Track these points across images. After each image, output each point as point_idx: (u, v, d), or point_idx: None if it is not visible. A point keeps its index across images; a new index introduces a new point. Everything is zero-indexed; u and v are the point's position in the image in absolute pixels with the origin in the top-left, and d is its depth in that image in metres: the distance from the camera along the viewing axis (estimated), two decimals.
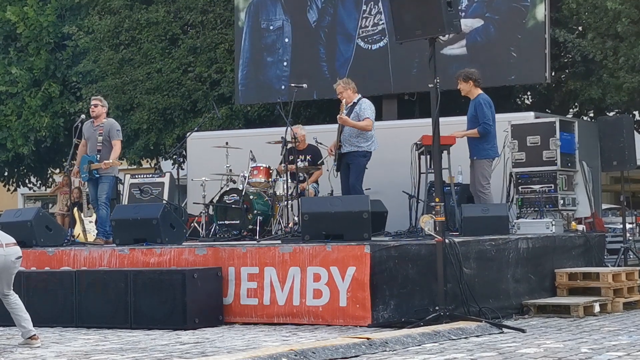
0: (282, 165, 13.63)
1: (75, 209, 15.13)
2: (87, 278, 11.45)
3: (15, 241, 9.76)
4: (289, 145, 13.58)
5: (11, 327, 10.51)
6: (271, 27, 18.29)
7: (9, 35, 22.50)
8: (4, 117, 22.36)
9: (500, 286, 11.31)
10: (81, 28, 21.56)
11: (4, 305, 9.82)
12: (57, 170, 24.97)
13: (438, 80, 10.27)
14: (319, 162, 14.40)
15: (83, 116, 13.69)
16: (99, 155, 13.39)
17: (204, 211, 14.28)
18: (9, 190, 25.77)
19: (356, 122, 13.11)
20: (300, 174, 13.95)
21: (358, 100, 13.30)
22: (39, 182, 25.37)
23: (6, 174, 24.89)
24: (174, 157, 19.77)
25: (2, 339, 10.34)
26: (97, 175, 13.37)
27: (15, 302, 9.72)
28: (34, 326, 9.74)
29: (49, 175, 24.88)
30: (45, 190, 25.41)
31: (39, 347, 9.53)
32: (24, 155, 22.56)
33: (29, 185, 25.57)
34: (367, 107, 13.27)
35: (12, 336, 10.28)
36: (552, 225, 12.69)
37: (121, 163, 13.56)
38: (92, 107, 13.69)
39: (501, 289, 11.31)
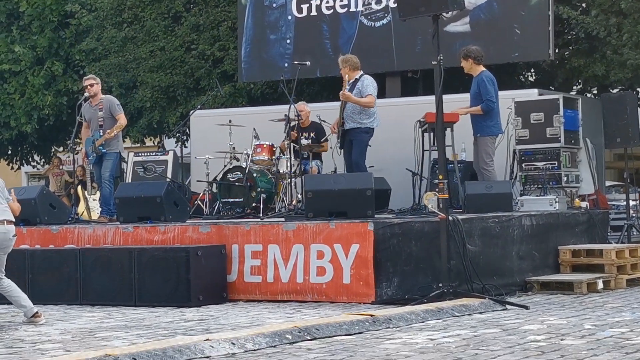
0: (286, 142, 13.61)
1: (80, 187, 15.12)
2: (91, 256, 11.48)
3: (14, 219, 9.76)
4: (292, 123, 13.57)
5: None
6: (274, 5, 18.24)
7: (11, 13, 22.46)
8: (7, 95, 22.36)
9: (503, 263, 11.32)
10: (84, 6, 21.53)
11: None
12: (61, 149, 24.97)
13: (441, 58, 10.25)
14: (322, 139, 14.39)
15: (87, 94, 13.67)
16: (101, 131, 13.39)
17: (207, 189, 14.28)
18: (12, 168, 25.79)
19: (359, 99, 13.07)
20: (304, 153, 13.94)
21: (360, 77, 13.26)
22: (43, 160, 25.39)
23: (10, 152, 24.92)
24: (178, 135, 19.82)
25: (7, 316, 10.36)
26: (104, 151, 13.38)
27: (9, 285, 9.70)
28: (39, 304, 9.76)
29: (52, 154, 24.90)
30: (48, 165, 25.43)
31: (43, 324, 9.56)
32: (27, 133, 22.57)
33: (32, 163, 25.60)
34: (369, 84, 13.22)
35: (17, 314, 10.30)
36: (556, 202, 12.69)
37: (121, 127, 13.50)
38: (88, 87, 13.62)
39: (504, 266, 11.33)
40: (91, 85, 13.61)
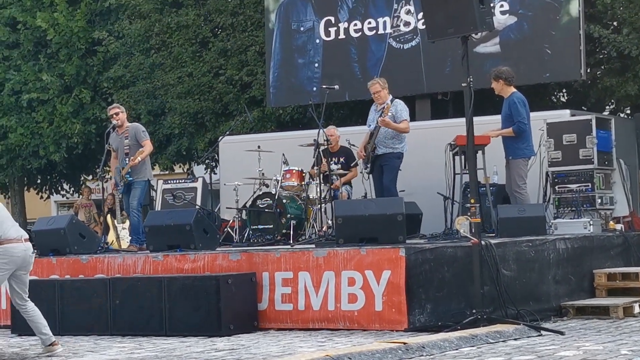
0: (315, 168, 13.63)
1: (109, 215, 15.21)
2: (121, 285, 11.51)
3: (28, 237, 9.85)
4: (322, 148, 13.58)
5: (30, 337, 10.57)
6: (302, 28, 18.31)
7: (39, 41, 22.66)
8: (36, 124, 22.53)
9: (538, 288, 11.25)
10: (111, 33, 21.70)
11: (20, 315, 9.88)
12: (90, 177, 25.11)
13: (471, 79, 10.23)
14: (352, 164, 14.39)
15: (114, 122, 13.73)
16: (127, 159, 13.45)
17: (237, 216, 14.32)
18: (42, 197, 25.95)
19: (397, 125, 13.13)
20: (334, 177, 13.95)
21: (391, 102, 13.29)
22: (72, 189, 25.53)
23: (39, 181, 25.08)
24: (206, 161, 19.88)
25: (38, 347, 10.40)
26: (131, 179, 13.42)
27: (34, 310, 9.77)
28: (69, 335, 9.79)
29: (81, 182, 25.03)
30: (79, 197, 25.57)
31: (60, 353, 9.55)
32: (56, 162, 22.71)
33: (61, 192, 25.74)
34: (403, 109, 13.30)
35: (30, 346, 10.32)
36: (590, 225, 12.62)
37: (144, 153, 13.45)
38: (114, 116, 13.70)
39: (539, 291, 11.25)
40: (117, 114, 13.69)
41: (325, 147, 13.75)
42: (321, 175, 13.38)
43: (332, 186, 13.77)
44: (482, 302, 10.02)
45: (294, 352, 9.04)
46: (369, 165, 13.40)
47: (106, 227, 14.70)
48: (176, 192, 16.50)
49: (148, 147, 13.59)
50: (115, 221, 14.50)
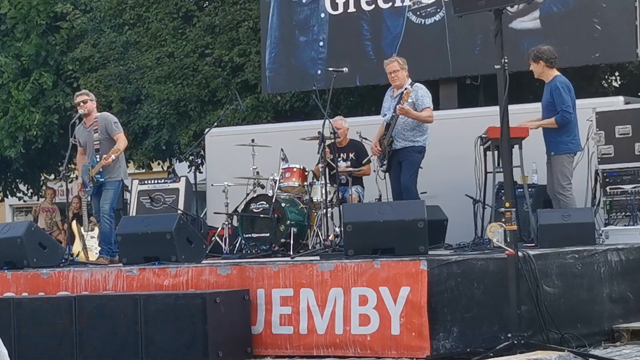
0: (320, 165, 13.63)
1: (74, 222, 15.20)
2: (89, 305, 11.49)
3: None
4: (328, 142, 13.58)
5: None
6: (304, 0, 18.31)
7: None
8: None
9: (585, 308, 11.24)
10: (77, 6, 21.74)
11: None
12: (52, 177, 25.12)
13: (506, 60, 10.22)
14: (363, 161, 14.39)
15: (81, 111, 13.72)
16: (98, 156, 13.44)
17: (227, 222, 14.32)
18: None
19: (418, 113, 13.14)
20: (343, 177, 13.95)
21: (412, 86, 13.30)
22: (30, 190, 25.53)
23: None
24: (190, 158, 19.88)
25: None
26: (102, 179, 13.42)
27: None
28: None
29: (41, 183, 25.04)
30: (39, 200, 25.60)
31: None
32: (11, 159, 22.72)
33: (18, 194, 25.75)
34: (425, 95, 13.32)
35: None
36: None
37: (120, 150, 13.47)
38: (81, 104, 13.69)
39: (587, 312, 11.25)
40: (84, 102, 13.68)
41: (332, 140, 13.75)
42: (327, 173, 13.36)
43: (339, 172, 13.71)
44: (519, 324, 10.00)
45: None
46: (385, 163, 13.40)
47: (71, 235, 14.66)
48: (154, 194, 16.52)
49: (122, 142, 13.59)
50: (82, 229, 14.47)
